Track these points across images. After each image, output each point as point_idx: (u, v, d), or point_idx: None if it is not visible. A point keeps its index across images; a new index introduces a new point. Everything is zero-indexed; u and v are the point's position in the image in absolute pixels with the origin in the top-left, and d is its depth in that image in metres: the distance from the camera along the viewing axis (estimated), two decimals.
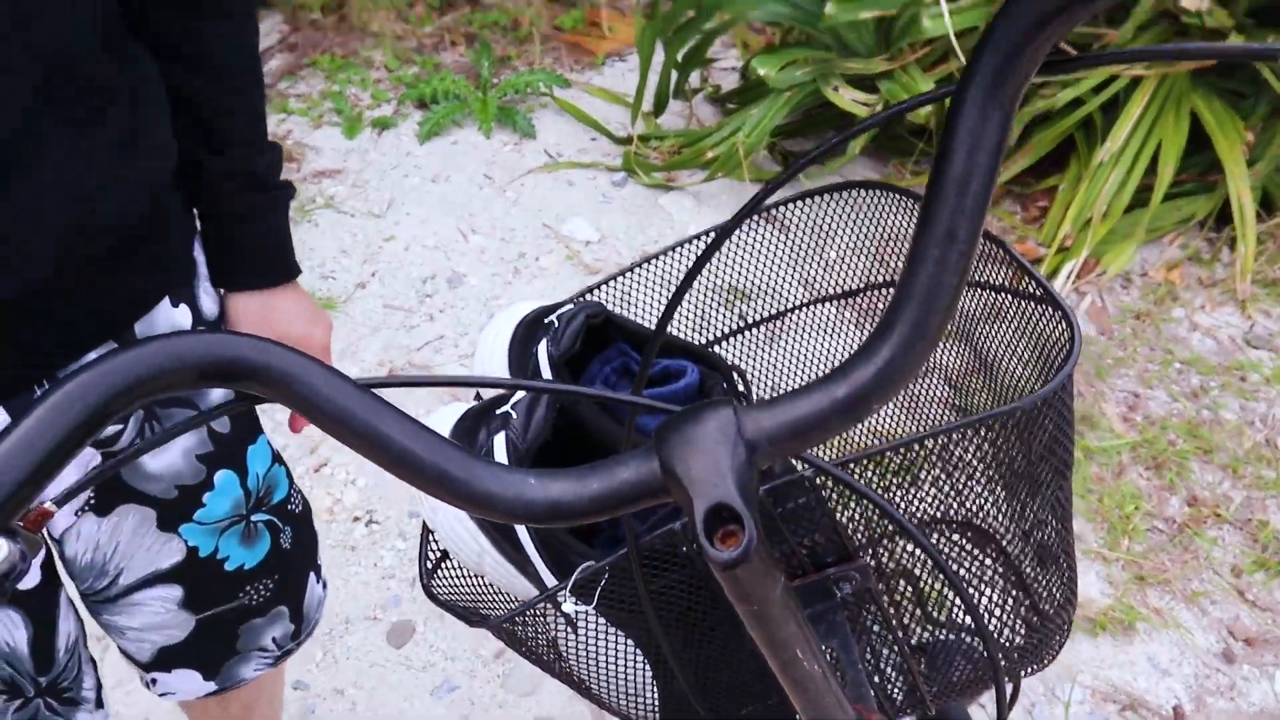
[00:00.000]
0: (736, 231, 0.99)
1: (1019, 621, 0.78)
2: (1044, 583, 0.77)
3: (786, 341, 1.02)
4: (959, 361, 0.84)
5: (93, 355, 0.86)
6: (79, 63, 0.79)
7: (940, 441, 0.63)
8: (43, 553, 0.90)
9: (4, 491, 0.40)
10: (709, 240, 0.77)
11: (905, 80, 2.52)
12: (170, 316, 0.92)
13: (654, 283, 0.96)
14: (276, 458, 1.07)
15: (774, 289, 1.01)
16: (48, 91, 0.77)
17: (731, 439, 0.46)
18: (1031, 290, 0.68)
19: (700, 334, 1.01)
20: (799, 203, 0.92)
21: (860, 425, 1.06)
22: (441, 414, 0.80)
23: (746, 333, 1.01)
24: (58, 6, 0.76)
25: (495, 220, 2.72)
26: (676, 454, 0.46)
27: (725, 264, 1.00)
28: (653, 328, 0.88)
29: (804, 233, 0.96)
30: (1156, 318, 2.43)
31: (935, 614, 0.81)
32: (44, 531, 0.76)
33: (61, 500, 0.45)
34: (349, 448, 0.48)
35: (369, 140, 2.98)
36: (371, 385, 0.49)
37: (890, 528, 0.73)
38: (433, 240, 2.66)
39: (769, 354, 1.03)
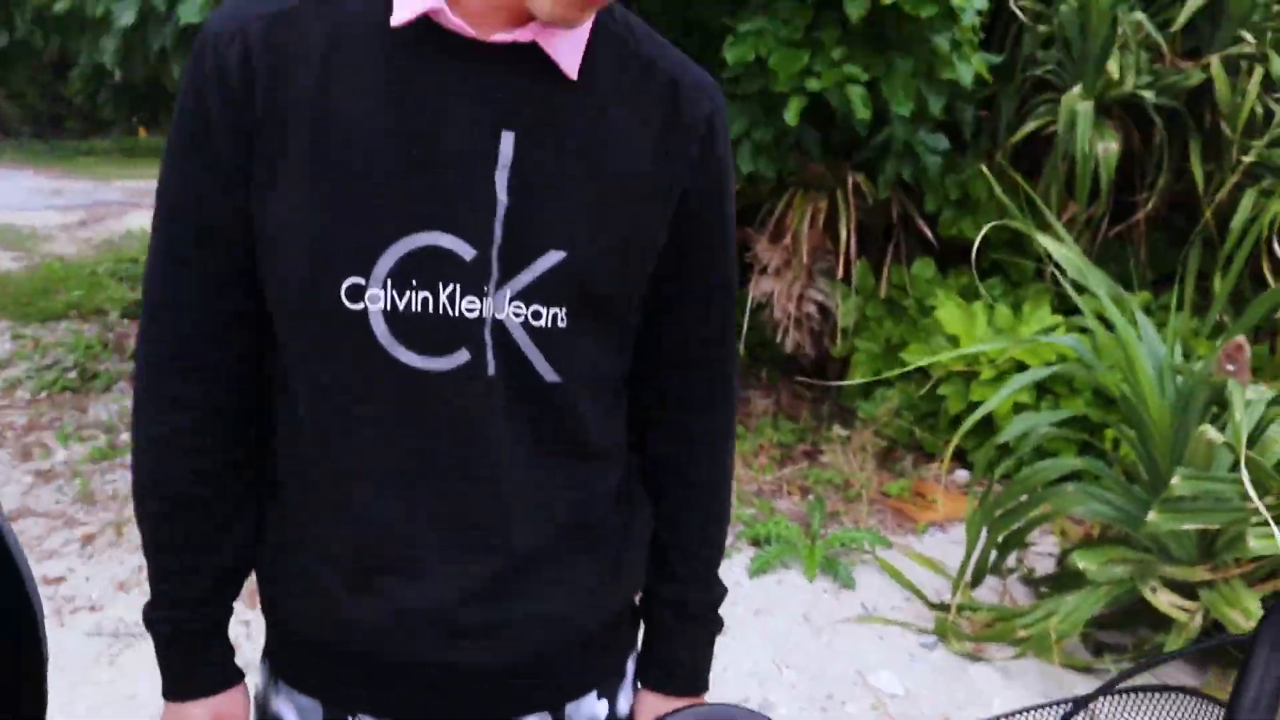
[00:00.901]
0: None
1: None
2: None
3: None
4: None
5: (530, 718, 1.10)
6: (595, 512, 1.09)
7: None
8: None
9: None
10: None
11: (1228, 592, 2.60)
12: (593, 706, 1.14)
13: None
14: None
15: None
16: (569, 528, 1.07)
17: None
18: None
19: None
20: (1112, 696, 1.09)
21: None
22: None
23: None
24: (597, 480, 1.09)
25: (808, 659, 2.94)
26: None
27: None
28: None
29: None
30: None
31: None
32: None
33: None
34: None
35: None
36: None
37: None
38: (749, 666, 2.90)
39: None
